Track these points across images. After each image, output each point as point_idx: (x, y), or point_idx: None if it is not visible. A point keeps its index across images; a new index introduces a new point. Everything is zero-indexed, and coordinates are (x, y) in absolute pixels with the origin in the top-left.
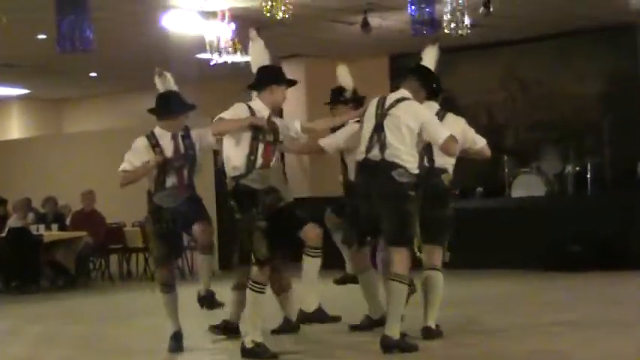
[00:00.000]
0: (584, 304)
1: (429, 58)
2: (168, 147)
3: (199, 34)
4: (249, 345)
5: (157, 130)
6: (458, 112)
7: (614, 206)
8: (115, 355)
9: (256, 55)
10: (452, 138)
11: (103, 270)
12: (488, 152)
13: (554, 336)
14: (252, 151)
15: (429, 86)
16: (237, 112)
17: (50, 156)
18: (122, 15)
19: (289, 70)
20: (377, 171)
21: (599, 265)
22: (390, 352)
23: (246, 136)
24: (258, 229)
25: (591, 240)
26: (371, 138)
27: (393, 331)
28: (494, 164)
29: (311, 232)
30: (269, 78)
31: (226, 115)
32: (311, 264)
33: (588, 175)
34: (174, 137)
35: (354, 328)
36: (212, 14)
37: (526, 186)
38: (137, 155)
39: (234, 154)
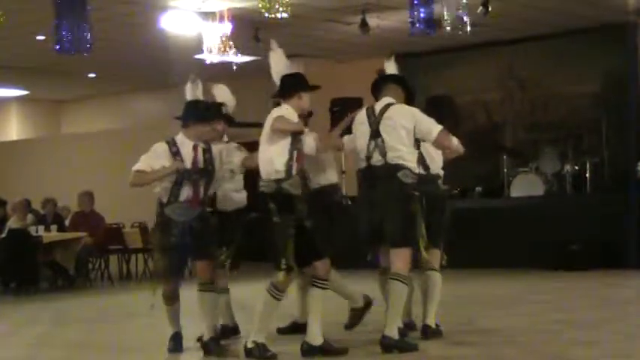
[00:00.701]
0: (583, 303)
1: (392, 69)
2: (187, 157)
3: (198, 34)
4: (250, 345)
5: (179, 138)
6: (455, 111)
7: (612, 206)
8: (115, 356)
9: (276, 64)
10: (444, 131)
11: (103, 271)
12: (460, 149)
13: (553, 335)
14: (291, 157)
15: (409, 91)
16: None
17: (49, 157)
18: (120, 16)
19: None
20: (381, 175)
21: (598, 264)
22: (390, 352)
23: (286, 142)
24: (290, 236)
25: (590, 239)
26: (369, 145)
27: (393, 331)
28: (493, 164)
29: (322, 268)
30: (296, 85)
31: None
32: (319, 295)
33: (587, 175)
34: (195, 148)
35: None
36: (210, 15)
37: (525, 186)
38: (155, 158)
39: (277, 158)
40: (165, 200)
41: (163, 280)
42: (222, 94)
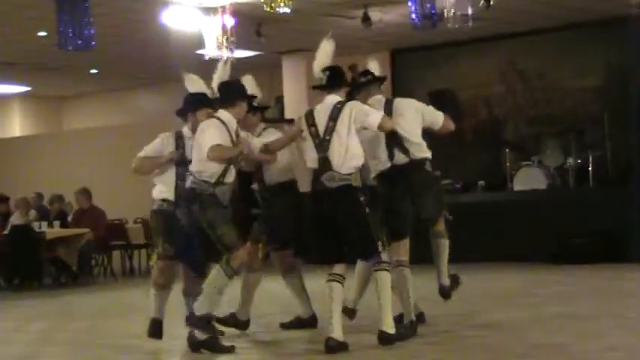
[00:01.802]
0: (586, 296)
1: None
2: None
3: (199, 30)
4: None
5: (185, 131)
6: (457, 105)
7: (615, 199)
8: (118, 352)
9: (322, 56)
10: (447, 116)
11: (106, 266)
12: (451, 126)
13: (556, 329)
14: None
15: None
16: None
17: (52, 153)
18: (122, 11)
19: (290, 66)
20: (409, 171)
21: (601, 257)
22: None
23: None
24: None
25: (593, 233)
26: (388, 145)
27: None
28: (495, 158)
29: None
30: (341, 79)
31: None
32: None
33: (590, 168)
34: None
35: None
36: (212, 10)
37: (528, 179)
38: (156, 146)
39: (361, 150)
40: (213, 180)
41: (240, 246)
42: (250, 85)
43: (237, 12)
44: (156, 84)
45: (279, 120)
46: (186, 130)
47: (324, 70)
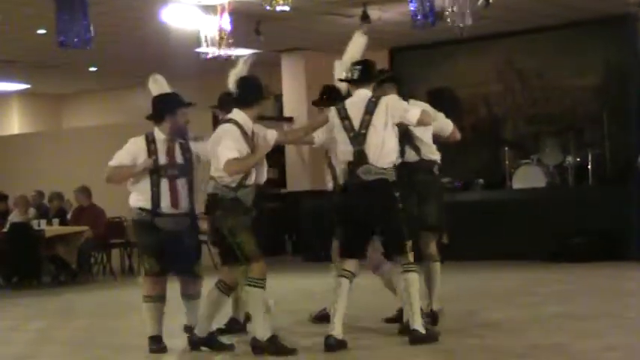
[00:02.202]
0: (584, 295)
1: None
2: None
3: (199, 28)
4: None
5: (157, 133)
6: (457, 103)
7: (614, 197)
8: (117, 350)
9: (354, 49)
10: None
11: (105, 265)
12: (457, 136)
13: (555, 328)
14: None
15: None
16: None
17: (51, 151)
18: (121, 9)
19: (289, 64)
20: (417, 170)
21: (600, 256)
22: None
23: (395, 132)
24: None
25: (592, 231)
26: (400, 142)
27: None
28: (494, 156)
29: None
30: (373, 74)
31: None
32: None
33: (589, 167)
34: (169, 142)
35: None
36: (211, 8)
37: (527, 178)
38: (128, 154)
39: (396, 145)
40: (234, 185)
41: (259, 257)
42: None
43: (235, 10)
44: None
45: (277, 118)
46: (157, 132)
47: (356, 63)
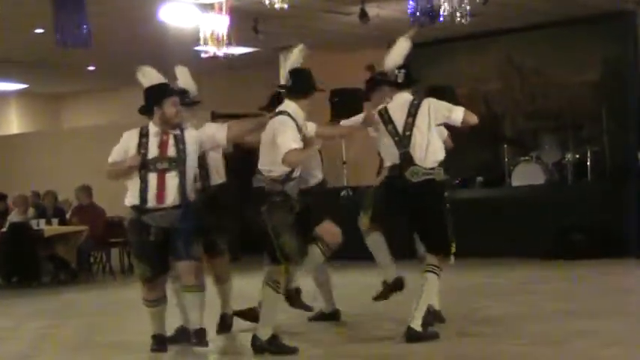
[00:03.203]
0: (584, 292)
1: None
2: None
3: (197, 26)
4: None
5: (151, 126)
6: (455, 101)
7: (614, 194)
8: (117, 350)
9: (397, 53)
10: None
11: (104, 264)
12: (449, 143)
13: (554, 325)
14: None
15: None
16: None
17: (49, 151)
18: (119, 8)
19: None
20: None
21: (599, 253)
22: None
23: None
24: None
25: (591, 228)
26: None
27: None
28: (493, 154)
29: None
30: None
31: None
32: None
33: (588, 164)
34: (162, 134)
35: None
36: (210, 6)
37: (526, 175)
38: (121, 150)
39: (442, 146)
40: (282, 178)
41: (296, 260)
42: (185, 78)
43: (233, 8)
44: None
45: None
46: (151, 125)
47: (400, 67)
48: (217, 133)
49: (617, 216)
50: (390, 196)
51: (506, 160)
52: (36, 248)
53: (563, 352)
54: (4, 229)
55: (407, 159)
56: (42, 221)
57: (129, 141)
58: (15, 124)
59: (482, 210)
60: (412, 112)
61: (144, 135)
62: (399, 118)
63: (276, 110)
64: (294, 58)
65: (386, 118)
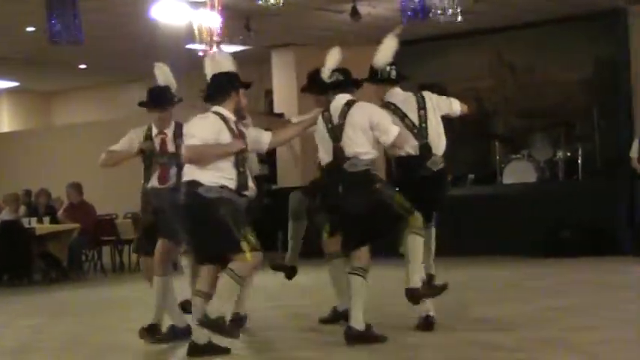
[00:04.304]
0: (576, 289)
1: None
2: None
3: (189, 24)
4: None
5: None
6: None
7: (605, 192)
8: (109, 347)
9: (389, 51)
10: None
11: (96, 262)
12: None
13: (546, 322)
14: None
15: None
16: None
17: (41, 149)
18: (111, 6)
19: (279, 60)
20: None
21: (591, 250)
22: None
23: None
24: None
25: (583, 226)
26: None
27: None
28: (485, 151)
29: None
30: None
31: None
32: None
33: (579, 161)
34: (160, 134)
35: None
36: (201, 4)
37: (517, 172)
38: (127, 140)
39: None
40: (324, 163)
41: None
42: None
43: (225, 6)
44: (145, 79)
45: (268, 114)
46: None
47: (392, 64)
48: (262, 137)
49: (609, 213)
50: (411, 185)
51: (497, 157)
52: (27, 246)
53: (557, 348)
54: None
55: (427, 149)
56: (33, 219)
57: (135, 135)
58: (6, 122)
59: (473, 207)
60: (421, 104)
61: (149, 128)
62: (410, 111)
63: (348, 100)
64: (335, 59)
65: (399, 112)
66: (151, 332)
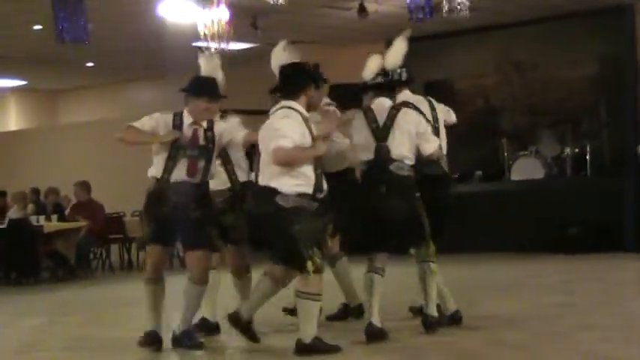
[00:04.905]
0: (582, 286)
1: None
2: (185, 132)
3: (195, 22)
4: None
5: (185, 113)
6: (453, 96)
7: (612, 188)
8: (117, 345)
9: (399, 54)
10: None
11: (104, 260)
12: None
13: (553, 318)
14: None
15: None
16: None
17: (48, 147)
18: (118, 4)
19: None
20: None
21: (598, 247)
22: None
23: None
24: None
25: (590, 222)
26: None
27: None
28: (492, 148)
29: None
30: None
31: None
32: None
33: (587, 158)
34: (195, 124)
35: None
36: (208, 1)
37: (525, 169)
38: (152, 122)
39: None
40: (362, 161)
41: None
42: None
43: (232, 4)
44: (152, 77)
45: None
46: (186, 113)
47: (402, 66)
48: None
49: (616, 210)
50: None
51: (505, 154)
52: (35, 244)
53: (561, 345)
54: (3, 226)
55: (440, 148)
56: (41, 217)
57: (163, 120)
58: (13, 120)
59: (481, 204)
60: (432, 106)
61: (178, 115)
62: (427, 112)
63: (402, 102)
64: (379, 62)
65: (420, 111)
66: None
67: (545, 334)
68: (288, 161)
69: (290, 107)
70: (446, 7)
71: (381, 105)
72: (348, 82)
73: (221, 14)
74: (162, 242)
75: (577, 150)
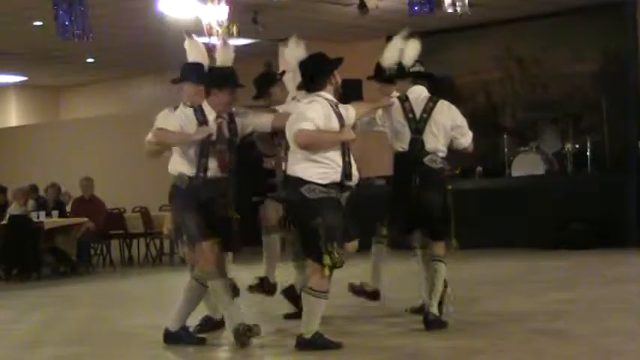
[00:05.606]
0: (584, 282)
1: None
2: (211, 126)
3: (196, 17)
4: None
5: (205, 106)
6: (455, 92)
7: (614, 184)
8: (119, 341)
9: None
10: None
11: (105, 256)
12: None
13: (555, 314)
14: None
15: None
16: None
17: (49, 143)
18: (119, 0)
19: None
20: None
21: (599, 243)
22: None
23: None
24: None
25: (591, 218)
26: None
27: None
28: (493, 144)
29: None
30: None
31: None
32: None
33: (588, 153)
34: (219, 117)
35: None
36: None
37: (526, 165)
38: (177, 121)
39: None
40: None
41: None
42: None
43: (233, 0)
44: (153, 73)
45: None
46: (205, 104)
47: (417, 61)
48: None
49: (617, 206)
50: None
51: (506, 150)
52: (36, 241)
53: (564, 339)
54: (4, 222)
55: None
56: (42, 213)
57: (185, 116)
58: (14, 116)
59: (482, 200)
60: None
61: (199, 110)
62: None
63: (432, 96)
64: (418, 48)
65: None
66: None
67: (547, 329)
68: (310, 143)
69: (317, 95)
70: (447, 2)
71: (418, 95)
72: (349, 77)
73: (222, 10)
74: (212, 237)
75: (578, 146)
